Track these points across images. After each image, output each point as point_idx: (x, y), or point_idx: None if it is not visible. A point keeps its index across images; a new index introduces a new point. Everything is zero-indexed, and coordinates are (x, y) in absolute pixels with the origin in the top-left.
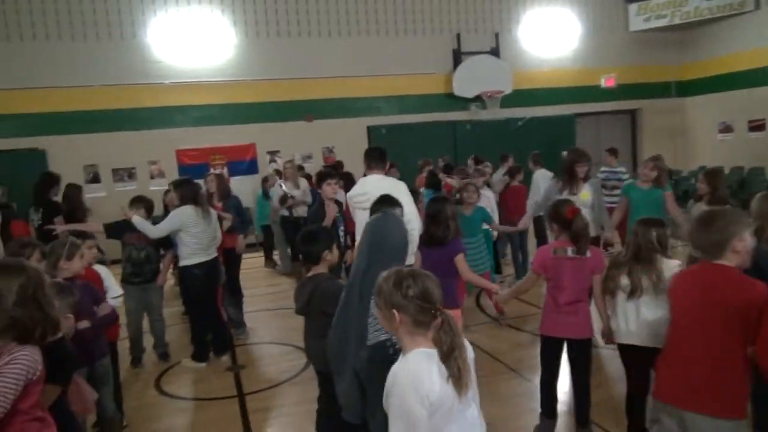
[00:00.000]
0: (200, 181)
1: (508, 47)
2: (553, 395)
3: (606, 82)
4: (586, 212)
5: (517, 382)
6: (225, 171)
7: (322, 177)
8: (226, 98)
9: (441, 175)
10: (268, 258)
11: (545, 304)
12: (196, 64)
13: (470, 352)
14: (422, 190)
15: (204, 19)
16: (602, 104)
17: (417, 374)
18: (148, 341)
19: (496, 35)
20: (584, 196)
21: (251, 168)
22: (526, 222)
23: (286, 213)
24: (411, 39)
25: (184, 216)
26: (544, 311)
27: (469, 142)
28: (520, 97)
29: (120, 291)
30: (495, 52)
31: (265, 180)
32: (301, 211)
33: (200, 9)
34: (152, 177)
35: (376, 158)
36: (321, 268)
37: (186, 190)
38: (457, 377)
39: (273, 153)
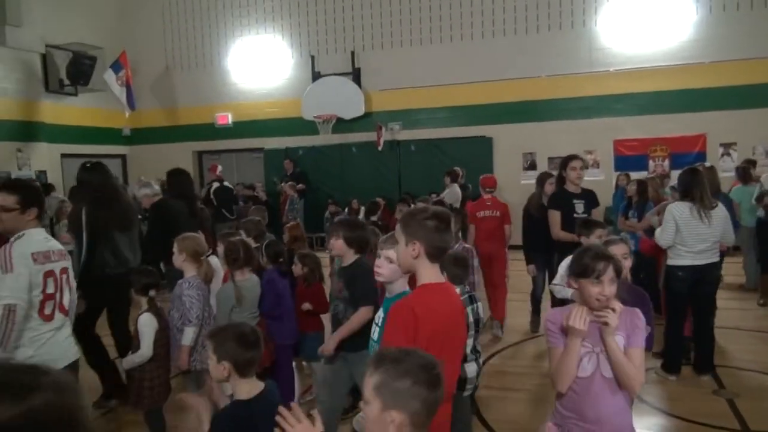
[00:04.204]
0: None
1: None
2: None
3: None
4: None
5: None
6: (666, 164)
7: None
8: (676, 84)
9: None
10: None
11: None
12: (644, 48)
13: None
14: None
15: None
16: None
17: None
18: None
19: None
20: None
21: (698, 162)
22: None
23: (761, 214)
24: None
25: (674, 211)
26: None
27: None
28: None
29: None
30: None
31: None
32: None
33: None
34: (586, 167)
35: None
36: None
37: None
38: None
39: (727, 146)
